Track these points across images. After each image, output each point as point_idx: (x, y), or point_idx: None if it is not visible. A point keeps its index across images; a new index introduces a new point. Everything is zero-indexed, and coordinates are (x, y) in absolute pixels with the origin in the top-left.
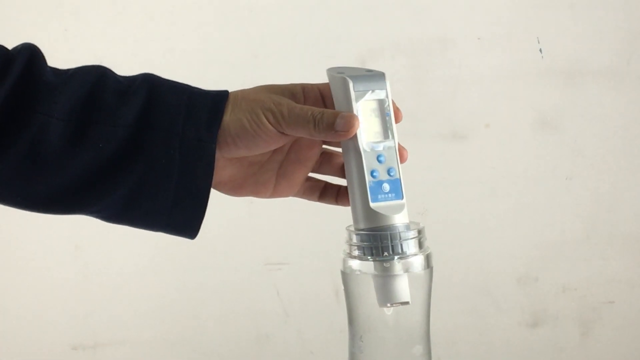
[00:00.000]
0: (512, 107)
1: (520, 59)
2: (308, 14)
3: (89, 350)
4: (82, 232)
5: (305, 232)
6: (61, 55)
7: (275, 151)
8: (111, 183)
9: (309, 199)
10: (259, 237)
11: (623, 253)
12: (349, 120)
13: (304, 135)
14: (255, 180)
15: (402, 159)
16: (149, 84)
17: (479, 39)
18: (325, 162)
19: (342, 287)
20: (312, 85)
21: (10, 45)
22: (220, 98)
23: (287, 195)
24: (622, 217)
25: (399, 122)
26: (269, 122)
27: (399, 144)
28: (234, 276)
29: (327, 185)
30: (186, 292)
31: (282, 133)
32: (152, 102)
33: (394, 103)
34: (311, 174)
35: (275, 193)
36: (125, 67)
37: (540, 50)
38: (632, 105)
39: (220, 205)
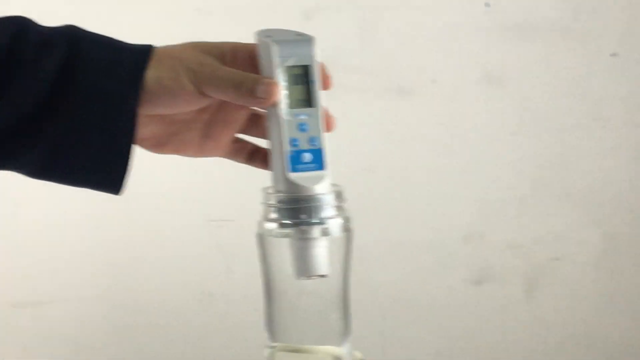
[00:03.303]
0: (458, 62)
1: (466, 14)
2: None
3: (29, 307)
4: (19, 188)
5: (249, 188)
6: None
7: (201, 110)
8: (32, 138)
9: (237, 161)
10: (201, 192)
11: (569, 210)
12: (270, 86)
13: (225, 99)
14: (179, 139)
15: (330, 127)
16: (71, 36)
17: None
18: (254, 124)
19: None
20: (243, 45)
21: None
22: (143, 53)
23: (213, 156)
24: (568, 174)
25: (327, 89)
26: (190, 82)
27: (327, 113)
28: (176, 233)
29: (256, 148)
30: (127, 249)
31: (203, 94)
32: (73, 56)
33: (323, 70)
34: (240, 135)
35: (200, 152)
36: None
37: (486, 5)
38: (579, 61)
39: (161, 160)
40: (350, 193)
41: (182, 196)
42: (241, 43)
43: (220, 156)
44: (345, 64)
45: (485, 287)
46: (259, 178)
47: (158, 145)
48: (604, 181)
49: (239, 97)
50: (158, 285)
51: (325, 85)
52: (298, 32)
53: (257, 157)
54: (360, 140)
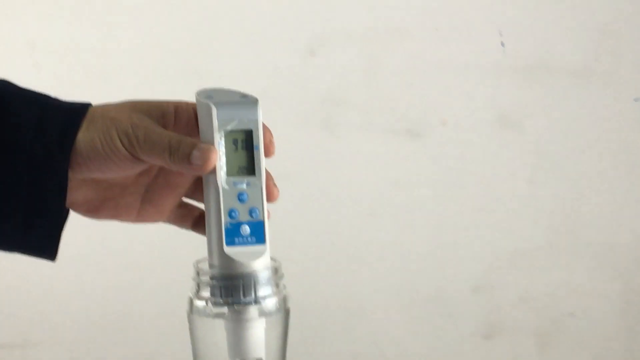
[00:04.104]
0: (470, 103)
1: (480, 53)
2: (255, 1)
3: (17, 348)
4: None
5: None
6: None
7: (141, 174)
8: None
9: (182, 227)
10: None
11: (585, 262)
12: (206, 152)
13: (160, 164)
14: (116, 204)
15: (271, 198)
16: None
17: (436, 29)
18: (200, 188)
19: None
20: (186, 105)
21: None
22: (76, 112)
23: (154, 222)
24: (585, 224)
25: (270, 156)
26: (123, 146)
27: (270, 182)
28: (170, 275)
29: (203, 213)
30: (120, 292)
31: (137, 158)
32: None
33: (267, 135)
34: (185, 199)
35: (139, 218)
36: (56, 49)
37: (502, 44)
38: (598, 104)
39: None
40: (353, 240)
41: (170, 239)
42: (184, 102)
43: (163, 222)
44: (350, 101)
45: (495, 341)
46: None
47: (92, 210)
48: (624, 231)
49: (173, 162)
50: (150, 329)
51: (268, 151)
52: (242, 93)
53: (203, 223)
54: (364, 184)
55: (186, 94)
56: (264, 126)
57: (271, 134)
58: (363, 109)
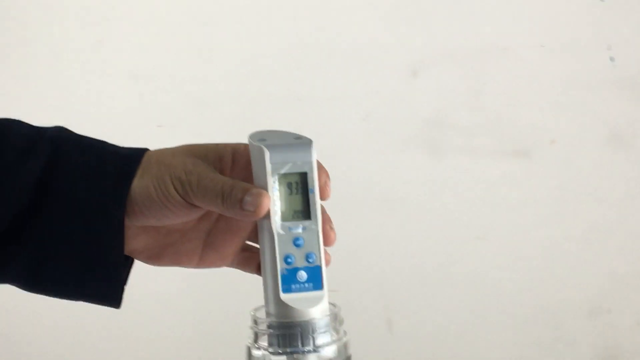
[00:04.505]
0: (580, 121)
1: (588, 69)
2: (354, 22)
3: None
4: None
5: (355, 255)
6: (94, 67)
7: (201, 218)
8: (10, 251)
9: (246, 271)
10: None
11: None
12: (257, 198)
13: (214, 210)
14: (176, 250)
15: (328, 242)
16: (56, 140)
17: (542, 46)
18: None
19: (396, 318)
20: (245, 147)
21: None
22: (131, 160)
23: (217, 267)
24: None
25: (326, 199)
26: (177, 192)
27: (326, 225)
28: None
29: None
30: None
31: (192, 205)
32: (55, 163)
33: (322, 176)
34: (249, 242)
35: (202, 264)
36: (159, 80)
37: (611, 59)
38: None
39: None
40: (460, 263)
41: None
42: (243, 145)
43: (226, 266)
44: (454, 123)
45: None
46: (367, 245)
47: (153, 257)
48: None
49: (226, 208)
50: None
51: (324, 194)
52: (297, 134)
53: None
54: (470, 206)
55: (288, 120)
56: (320, 167)
57: (327, 175)
58: (468, 130)
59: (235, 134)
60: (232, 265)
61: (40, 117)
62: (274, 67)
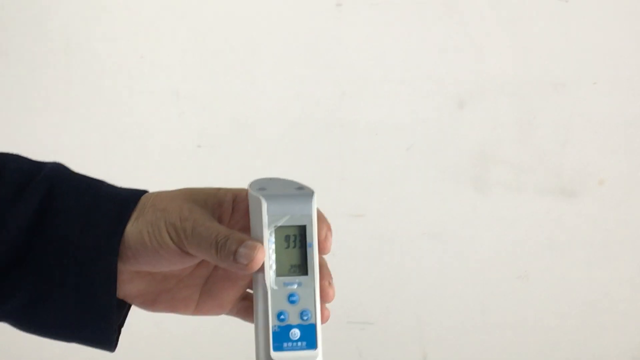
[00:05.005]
0: (630, 161)
1: None
2: (402, 49)
3: None
4: None
5: (392, 288)
6: (136, 83)
7: (199, 265)
8: (4, 291)
9: (245, 320)
10: (340, 291)
11: None
12: (252, 250)
13: (209, 260)
14: (172, 297)
15: (326, 298)
16: (52, 179)
17: (594, 83)
18: None
19: (431, 355)
20: (247, 193)
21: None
22: (127, 203)
23: (215, 314)
24: None
25: (326, 253)
26: (171, 240)
27: (325, 281)
28: None
29: None
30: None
31: (186, 252)
32: (49, 203)
33: (323, 230)
34: (250, 290)
35: (199, 311)
36: (201, 98)
37: None
38: None
39: None
40: (500, 303)
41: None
42: (245, 191)
43: (226, 314)
44: (500, 157)
45: None
46: (402, 276)
47: (147, 303)
48: None
49: (219, 259)
50: None
51: (324, 248)
52: (299, 184)
53: None
54: (514, 245)
55: (329, 146)
56: (321, 219)
57: (329, 228)
58: (515, 166)
59: (275, 158)
60: (231, 313)
61: (81, 133)
62: (318, 92)
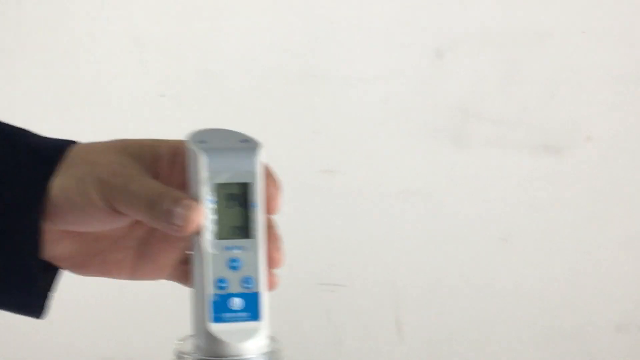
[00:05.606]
0: (620, 116)
1: (633, 60)
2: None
3: None
4: None
5: (366, 249)
6: (97, 29)
7: (133, 225)
8: None
9: (186, 285)
10: (312, 252)
11: None
12: (187, 210)
13: (143, 220)
14: (104, 259)
15: (272, 264)
16: None
17: (583, 32)
18: None
19: (406, 319)
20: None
21: None
22: (52, 154)
23: (153, 279)
24: None
25: (274, 213)
26: (99, 197)
27: (273, 245)
28: (282, 296)
29: None
30: None
31: (117, 211)
32: None
33: (270, 188)
34: (190, 252)
35: (135, 275)
36: (164, 47)
37: None
38: None
39: None
40: (480, 266)
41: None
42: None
43: (164, 279)
44: (482, 112)
45: None
46: (379, 236)
47: (78, 266)
48: None
49: (153, 220)
50: None
51: (272, 208)
52: (245, 136)
53: None
54: (496, 204)
55: (300, 98)
56: (269, 176)
57: (277, 186)
58: (497, 121)
59: (243, 110)
60: (170, 278)
61: (35, 80)
62: (288, 40)
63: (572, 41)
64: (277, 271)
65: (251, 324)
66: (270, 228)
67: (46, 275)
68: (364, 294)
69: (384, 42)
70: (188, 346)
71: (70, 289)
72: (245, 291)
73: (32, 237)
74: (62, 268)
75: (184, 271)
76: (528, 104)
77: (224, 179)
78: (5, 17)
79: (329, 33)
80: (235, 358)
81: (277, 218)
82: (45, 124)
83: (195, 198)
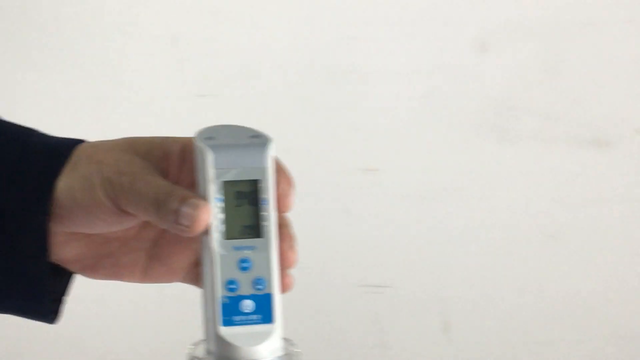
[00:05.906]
0: None
1: None
2: None
3: None
4: None
5: (414, 249)
6: (132, 28)
7: (145, 225)
8: None
9: (200, 288)
10: (356, 253)
11: None
12: (195, 210)
13: (150, 221)
14: (115, 262)
15: (287, 264)
16: None
17: (630, 21)
18: None
19: (453, 320)
20: None
21: None
22: (58, 154)
23: (166, 282)
24: None
25: (286, 211)
26: (106, 196)
27: (285, 244)
28: (326, 298)
29: None
30: None
31: (124, 211)
32: None
33: (282, 184)
34: None
35: (147, 278)
36: (201, 45)
37: None
38: None
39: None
40: (528, 265)
41: (335, 256)
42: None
43: (178, 282)
44: (527, 106)
45: None
46: (426, 235)
47: (88, 268)
48: None
49: (160, 220)
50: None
51: (284, 205)
52: (255, 132)
53: None
54: (542, 201)
55: (338, 95)
56: (280, 172)
57: (289, 182)
58: (543, 115)
59: (281, 108)
60: (184, 281)
61: (72, 83)
62: (326, 36)
63: (618, 31)
64: (293, 271)
65: (263, 327)
66: (282, 227)
67: (56, 279)
68: (410, 294)
69: (424, 36)
70: (200, 351)
71: (80, 290)
72: (257, 293)
73: (39, 239)
74: (72, 271)
75: (197, 274)
76: (574, 97)
77: (232, 176)
78: (41, 16)
79: (367, 27)
80: None
81: (295, 218)
82: (81, 127)
83: (203, 197)
